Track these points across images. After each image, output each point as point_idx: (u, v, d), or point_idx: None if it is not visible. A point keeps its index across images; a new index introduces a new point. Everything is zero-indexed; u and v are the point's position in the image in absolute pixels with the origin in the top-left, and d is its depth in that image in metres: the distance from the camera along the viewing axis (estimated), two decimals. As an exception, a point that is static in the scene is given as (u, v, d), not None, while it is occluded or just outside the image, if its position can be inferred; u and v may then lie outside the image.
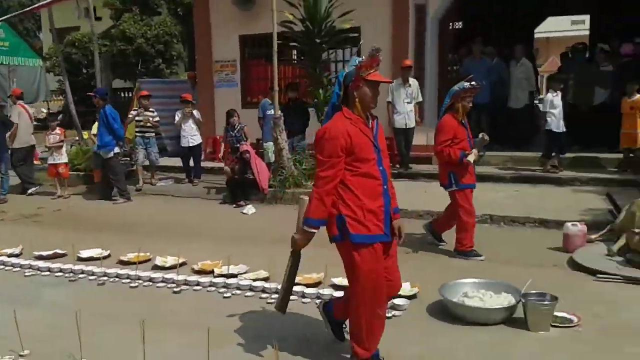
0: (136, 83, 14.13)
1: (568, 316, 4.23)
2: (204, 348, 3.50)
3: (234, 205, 8.86)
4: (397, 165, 9.73)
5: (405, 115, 9.55)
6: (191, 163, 10.55)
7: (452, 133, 5.70)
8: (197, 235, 7.19)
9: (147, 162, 10.44)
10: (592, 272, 5.21)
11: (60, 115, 15.70)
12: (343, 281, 4.59)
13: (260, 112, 9.93)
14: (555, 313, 4.20)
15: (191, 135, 10.14)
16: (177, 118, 10.17)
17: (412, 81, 9.63)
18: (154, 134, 10.49)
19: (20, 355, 3.84)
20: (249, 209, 8.52)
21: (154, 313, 4.57)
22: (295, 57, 11.03)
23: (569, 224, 6.00)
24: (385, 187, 3.43)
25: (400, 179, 9.35)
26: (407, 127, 9.62)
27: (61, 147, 10.27)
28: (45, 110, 20.12)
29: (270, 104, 9.58)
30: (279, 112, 9.11)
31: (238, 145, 9.16)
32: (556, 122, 8.97)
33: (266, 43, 10.10)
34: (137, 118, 10.43)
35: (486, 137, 6.08)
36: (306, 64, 9.49)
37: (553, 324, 4.12)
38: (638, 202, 5.83)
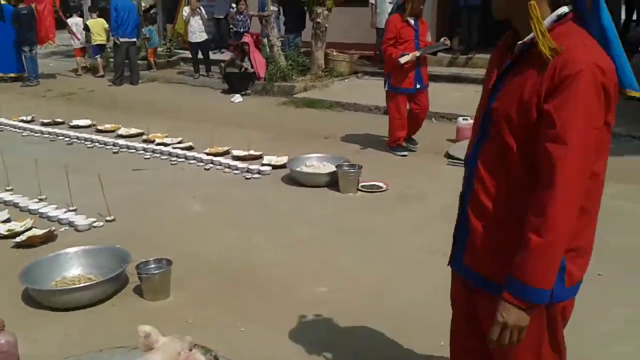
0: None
1: (380, 184, 5.27)
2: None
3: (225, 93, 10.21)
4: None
5: (385, 15, 10.11)
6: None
7: (395, 32, 5.89)
8: (178, 116, 8.65)
9: None
10: (453, 159, 6.07)
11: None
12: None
13: (259, 7, 10.87)
14: (372, 182, 5.27)
15: (199, 32, 11.31)
16: (184, 14, 11.37)
17: (395, -18, 10.07)
18: None
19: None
20: (236, 97, 9.81)
21: (96, 165, 6.13)
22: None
23: (460, 118, 6.75)
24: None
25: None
26: (390, 27, 10.19)
27: None
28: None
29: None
30: (272, 9, 10.05)
31: (242, 30, 10.28)
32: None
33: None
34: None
35: (447, 42, 6.25)
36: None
37: (360, 189, 5.18)
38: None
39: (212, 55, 12.29)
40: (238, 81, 10.28)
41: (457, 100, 8.60)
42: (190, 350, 2.40)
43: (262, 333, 3.05)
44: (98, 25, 12.33)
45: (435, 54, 7.73)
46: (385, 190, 5.23)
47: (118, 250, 3.69)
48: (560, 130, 1.45)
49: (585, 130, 1.44)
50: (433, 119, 7.97)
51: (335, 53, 10.64)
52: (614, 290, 3.36)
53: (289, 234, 4.33)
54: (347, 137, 7.12)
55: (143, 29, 12.54)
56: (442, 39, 6.26)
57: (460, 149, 6.24)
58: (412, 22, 5.93)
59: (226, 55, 11.77)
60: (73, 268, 3.60)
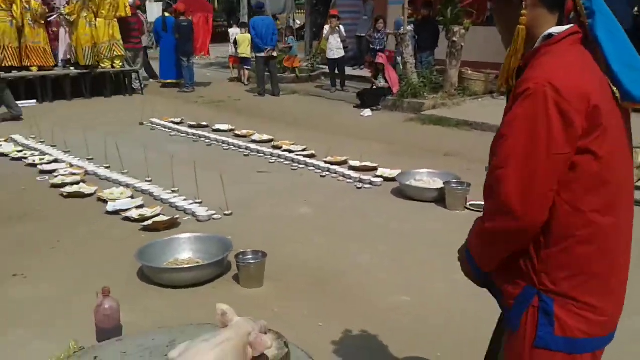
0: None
1: (489, 205, 5.17)
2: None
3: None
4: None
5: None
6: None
7: None
8: (309, 126, 9.12)
9: None
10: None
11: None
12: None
13: (395, 28, 11.09)
14: (482, 202, 5.18)
15: (336, 49, 11.74)
16: (324, 32, 11.89)
17: None
18: None
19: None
20: (366, 112, 10.08)
21: (227, 165, 6.72)
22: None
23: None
24: None
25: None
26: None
27: None
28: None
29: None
30: (408, 27, 10.22)
31: (379, 48, 10.59)
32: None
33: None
34: None
35: None
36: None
37: (468, 207, 5.13)
38: None
39: (352, 72, 12.75)
40: (370, 97, 10.56)
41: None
42: (264, 333, 2.64)
43: (337, 330, 3.21)
44: (245, 40, 13.34)
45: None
46: (494, 211, 5.12)
47: (224, 239, 4.07)
48: (499, 152, 1.41)
49: (525, 154, 1.36)
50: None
51: (470, 72, 10.51)
52: None
53: (386, 244, 4.44)
54: (467, 156, 7.02)
55: (286, 39, 13.31)
56: None
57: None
58: None
59: (364, 72, 12.15)
60: (185, 252, 4.04)
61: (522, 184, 1.37)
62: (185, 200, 5.35)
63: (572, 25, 1.47)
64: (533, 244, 1.46)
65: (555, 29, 1.46)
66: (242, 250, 3.83)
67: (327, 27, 11.86)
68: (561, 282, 1.44)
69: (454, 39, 9.94)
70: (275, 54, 12.12)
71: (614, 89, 1.45)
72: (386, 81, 10.47)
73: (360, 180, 5.96)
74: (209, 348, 2.54)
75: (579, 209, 1.41)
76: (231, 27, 14.91)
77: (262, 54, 11.84)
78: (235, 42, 13.59)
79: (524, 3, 1.45)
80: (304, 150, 7.25)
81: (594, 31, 1.47)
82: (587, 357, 1.49)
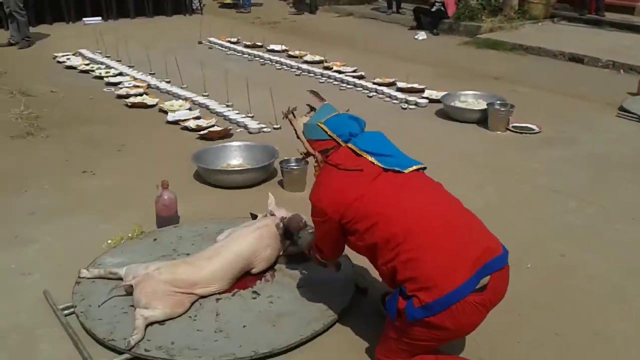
0: None
1: (532, 126, 5.27)
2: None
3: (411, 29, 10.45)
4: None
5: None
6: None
7: None
8: (362, 48, 9.17)
9: None
10: (624, 110, 5.73)
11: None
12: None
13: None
14: (526, 124, 5.29)
15: None
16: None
17: None
18: None
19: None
20: (420, 35, 9.99)
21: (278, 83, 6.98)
22: None
23: (646, 71, 6.22)
24: None
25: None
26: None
27: None
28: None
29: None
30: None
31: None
32: None
33: None
34: None
35: None
36: None
37: (510, 128, 5.24)
38: None
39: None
40: (426, 19, 10.41)
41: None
42: (305, 225, 2.99)
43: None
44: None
45: None
46: (537, 132, 5.22)
47: (271, 148, 4.40)
48: None
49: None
50: (622, 70, 7.41)
51: (531, -6, 10.14)
52: None
53: (421, 160, 4.64)
54: (517, 79, 7.01)
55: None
56: None
57: (637, 103, 5.85)
58: None
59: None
60: (235, 158, 4.40)
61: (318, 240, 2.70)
62: (238, 113, 5.69)
63: None
64: None
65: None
66: (286, 158, 4.16)
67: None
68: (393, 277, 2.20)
69: (517, -41, 9.57)
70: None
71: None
72: (443, 4, 10.25)
73: (406, 101, 6.11)
74: (249, 231, 2.97)
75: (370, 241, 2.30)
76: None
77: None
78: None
79: None
80: (354, 71, 7.40)
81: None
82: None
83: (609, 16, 9.83)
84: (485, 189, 4.15)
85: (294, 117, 2.60)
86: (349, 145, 2.36)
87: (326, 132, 2.40)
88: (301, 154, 2.60)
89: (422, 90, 6.43)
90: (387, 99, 6.33)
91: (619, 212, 3.77)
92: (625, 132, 5.28)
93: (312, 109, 2.61)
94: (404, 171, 2.30)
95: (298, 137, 2.55)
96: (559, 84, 6.87)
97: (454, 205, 2.32)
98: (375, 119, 5.97)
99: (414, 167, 2.36)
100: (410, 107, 6.02)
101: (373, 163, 2.29)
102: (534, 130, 5.23)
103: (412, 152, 2.55)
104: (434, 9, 10.29)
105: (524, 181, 4.26)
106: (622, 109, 5.77)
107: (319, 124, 2.42)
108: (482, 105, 5.53)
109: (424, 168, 2.45)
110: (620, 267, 3.15)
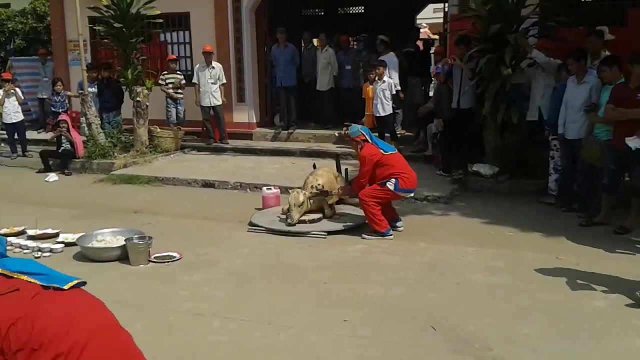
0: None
1: (174, 254, 5.39)
2: None
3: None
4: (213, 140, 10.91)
5: (210, 94, 10.58)
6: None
7: None
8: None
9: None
10: (253, 225, 6.38)
11: None
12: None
13: (78, 89, 10.83)
14: (167, 253, 5.37)
15: (13, 112, 10.72)
16: (-1, 96, 10.93)
17: (216, 64, 10.64)
18: None
19: None
20: (51, 176, 9.47)
21: None
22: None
23: (264, 188, 7.15)
24: None
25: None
26: (213, 104, 10.66)
27: None
28: None
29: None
30: (88, 89, 10.05)
31: (61, 110, 10.11)
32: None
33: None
34: None
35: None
36: (117, 45, 10.35)
37: (152, 260, 5.25)
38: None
39: (37, 135, 11.87)
40: (55, 160, 9.98)
41: (274, 172, 9.09)
42: None
43: None
44: None
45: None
46: (178, 259, 5.35)
47: None
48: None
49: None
50: (248, 189, 8.33)
51: (159, 130, 10.77)
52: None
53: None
54: (156, 211, 7.19)
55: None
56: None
57: (263, 216, 6.59)
58: None
59: (46, 135, 11.45)
60: None
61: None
62: None
63: None
64: None
65: None
66: None
67: (1, 91, 10.89)
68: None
69: (138, 98, 10.11)
70: None
71: None
72: (71, 144, 10.03)
73: (39, 249, 5.59)
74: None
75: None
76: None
77: None
78: None
79: None
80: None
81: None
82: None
83: (232, 143, 11.06)
84: (134, 326, 3.96)
85: None
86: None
87: None
88: None
89: (57, 235, 5.99)
90: (17, 249, 5.68)
91: (258, 321, 4.05)
92: (255, 245, 5.84)
93: None
94: (64, 287, 2.03)
95: None
96: (196, 209, 7.30)
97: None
98: None
99: (74, 283, 2.11)
100: (45, 254, 5.52)
101: (29, 282, 1.95)
102: (175, 257, 5.35)
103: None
104: (60, 150, 9.97)
105: (170, 310, 4.25)
106: (251, 223, 6.43)
107: None
108: (121, 241, 5.43)
109: (84, 283, 2.20)
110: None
